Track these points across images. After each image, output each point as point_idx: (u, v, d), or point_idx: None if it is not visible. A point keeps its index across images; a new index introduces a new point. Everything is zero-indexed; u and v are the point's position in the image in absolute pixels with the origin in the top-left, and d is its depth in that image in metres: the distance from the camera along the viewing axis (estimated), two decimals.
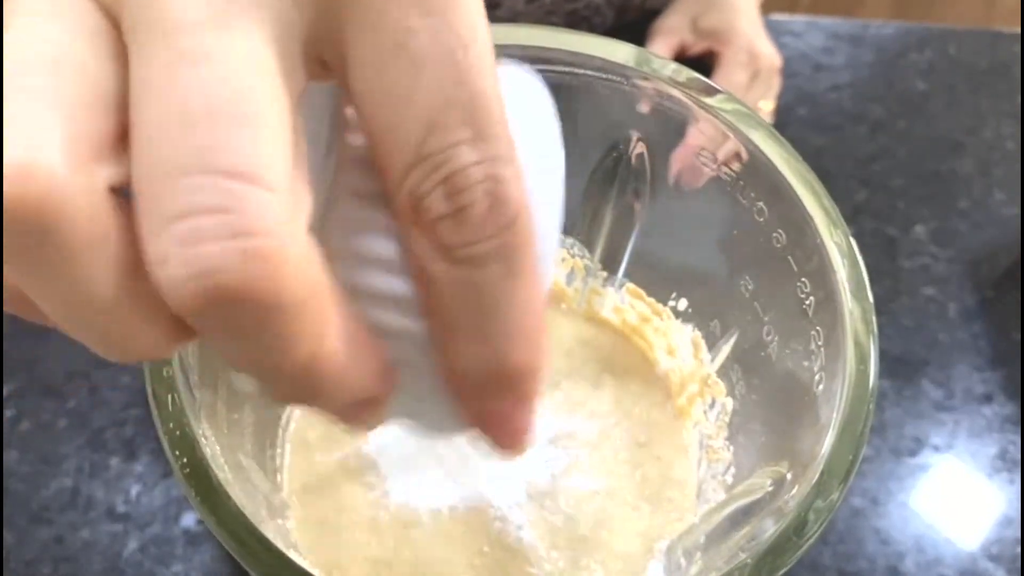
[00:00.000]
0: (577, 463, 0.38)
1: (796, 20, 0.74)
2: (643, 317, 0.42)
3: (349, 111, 0.19)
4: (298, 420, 0.40)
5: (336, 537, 0.37)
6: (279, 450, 0.39)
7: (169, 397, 0.28)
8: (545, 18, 0.66)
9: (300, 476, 0.39)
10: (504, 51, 0.35)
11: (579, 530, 0.37)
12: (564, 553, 0.36)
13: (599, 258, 0.42)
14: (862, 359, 0.30)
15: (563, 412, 0.40)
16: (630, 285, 0.42)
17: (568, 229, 0.42)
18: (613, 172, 0.39)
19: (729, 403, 0.38)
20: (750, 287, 0.37)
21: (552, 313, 0.43)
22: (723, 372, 0.39)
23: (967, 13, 1.30)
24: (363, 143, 0.18)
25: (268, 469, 0.38)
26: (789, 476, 0.31)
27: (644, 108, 0.36)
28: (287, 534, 0.36)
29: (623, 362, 0.42)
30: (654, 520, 0.37)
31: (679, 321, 0.41)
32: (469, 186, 0.16)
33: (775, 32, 0.73)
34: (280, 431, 0.39)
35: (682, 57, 0.57)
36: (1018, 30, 0.75)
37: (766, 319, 0.36)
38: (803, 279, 0.33)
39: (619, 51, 0.35)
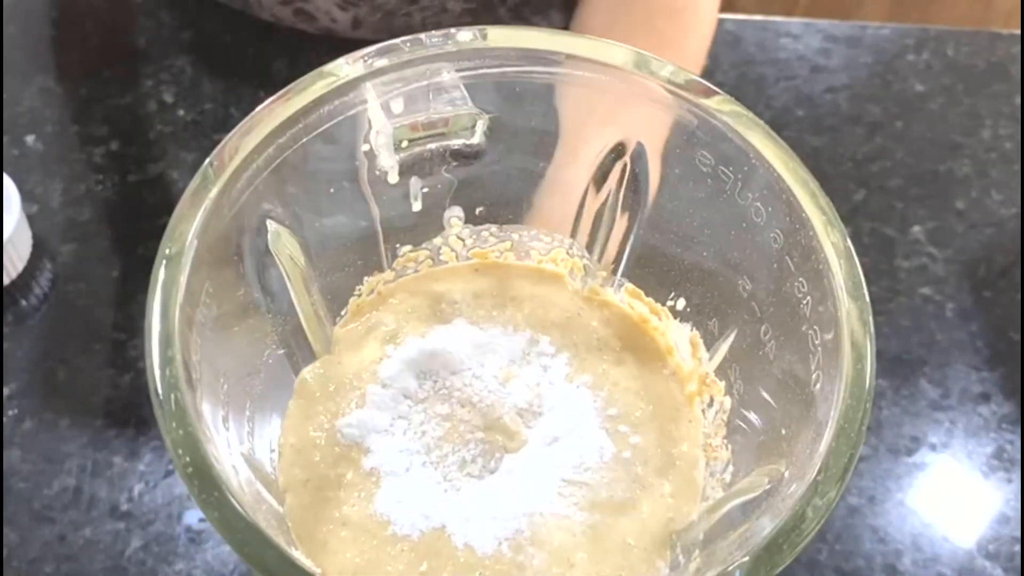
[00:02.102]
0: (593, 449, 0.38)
1: (794, 22, 0.75)
2: (642, 317, 0.42)
3: None
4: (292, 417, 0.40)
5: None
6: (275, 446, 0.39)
7: (172, 396, 0.29)
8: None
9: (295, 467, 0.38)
10: (506, 53, 0.36)
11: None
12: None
13: (598, 258, 0.42)
14: (859, 358, 0.30)
15: (584, 389, 0.40)
16: (629, 285, 0.42)
17: (567, 230, 0.42)
18: (612, 173, 0.39)
19: (727, 402, 0.38)
20: (748, 287, 0.37)
21: (571, 294, 0.43)
22: (721, 371, 0.39)
23: (965, 14, 1.30)
24: None
25: (268, 459, 0.38)
26: (787, 474, 0.31)
27: (642, 110, 0.37)
28: (288, 531, 0.36)
29: (644, 347, 0.42)
30: (667, 511, 0.37)
31: (677, 321, 0.41)
32: None
33: (773, 34, 0.73)
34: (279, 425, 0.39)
35: None
36: (1016, 31, 0.75)
37: (764, 319, 0.36)
38: (800, 279, 0.33)
39: (618, 53, 0.35)
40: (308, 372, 0.40)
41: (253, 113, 0.33)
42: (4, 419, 0.51)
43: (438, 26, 0.69)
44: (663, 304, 0.41)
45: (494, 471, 0.38)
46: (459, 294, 0.42)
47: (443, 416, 0.39)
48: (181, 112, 0.65)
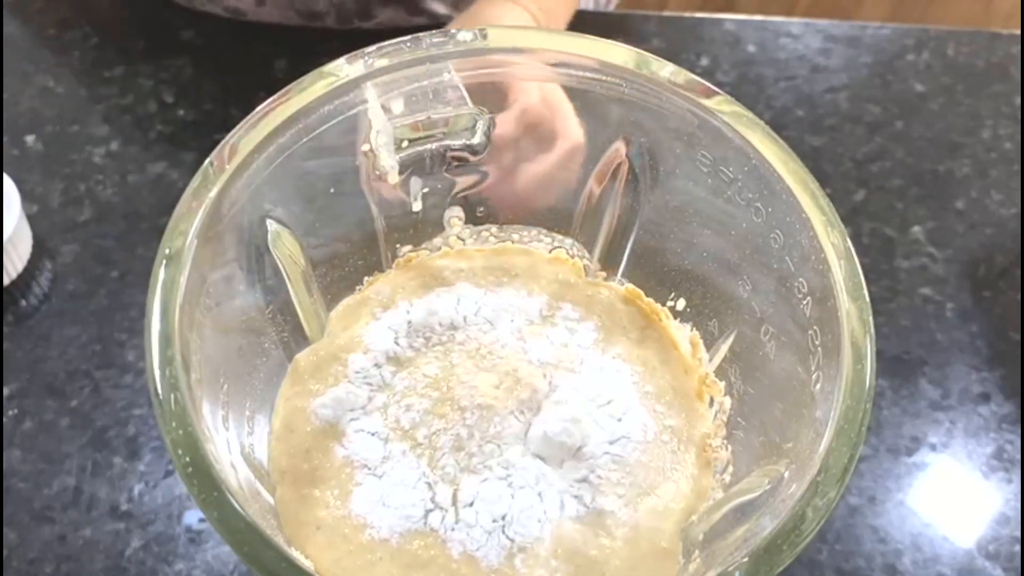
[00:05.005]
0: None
1: (794, 22, 0.75)
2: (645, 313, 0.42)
3: None
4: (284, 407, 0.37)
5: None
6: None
7: (172, 396, 0.29)
8: None
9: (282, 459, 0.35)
10: (505, 53, 0.36)
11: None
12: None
13: (598, 259, 0.42)
14: (859, 358, 0.30)
15: (618, 361, 0.38)
16: (629, 285, 0.42)
17: (568, 230, 0.42)
18: (612, 173, 0.39)
19: (727, 402, 0.38)
20: (748, 287, 0.37)
21: (584, 279, 0.42)
22: (721, 371, 0.39)
23: (965, 14, 1.30)
24: None
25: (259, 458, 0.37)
26: (787, 475, 0.31)
27: (642, 110, 0.37)
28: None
29: (660, 332, 0.40)
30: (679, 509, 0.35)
31: (677, 321, 0.41)
32: None
33: (773, 34, 0.73)
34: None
35: None
36: (1016, 31, 0.75)
37: (764, 319, 0.36)
38: (800, 279, 0.33)
39: (617, 53, 0.35)
40: (300, 354, 0.38)
41: (253, 113, 0.33)
42: (4, 419, 0.51)
43: (343, 2, 0.69)
44: (663, 304, 0.41)
45: (499, 444, 0.34)
46: (464, 264, 0.40)
47: (432, 381, 0.36)
48: (181, 112, 0.65)
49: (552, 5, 0.61)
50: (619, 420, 0.36)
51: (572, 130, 0.38)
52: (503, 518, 0.33)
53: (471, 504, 0.33)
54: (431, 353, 0.37)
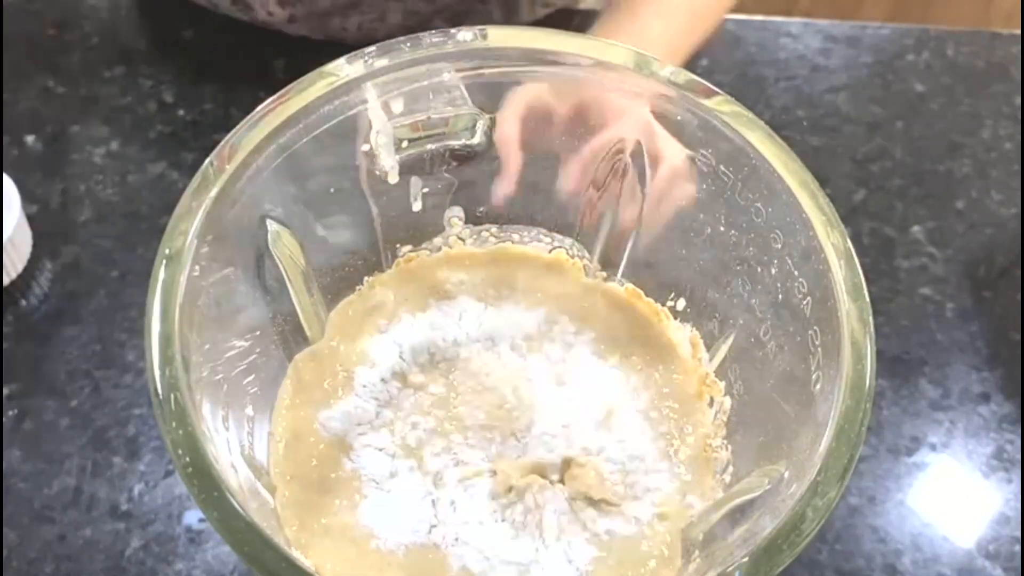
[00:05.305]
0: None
1: (793, 22, 0.75)
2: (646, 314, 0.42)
3: None
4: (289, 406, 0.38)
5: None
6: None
7: (172, 396, 0.29)
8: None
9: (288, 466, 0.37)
10: (506, 53, 0.36)
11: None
12: None
13: (598, 259, 0.42)
14: (859, 358, 0.30)
15: (615, 370, 0.39)
16: (629, 285, 0.42)
17: (568, 230, 0.42)
18: (612, 174, 0.39)
19: (727, 402, 0.38)
20: (748, 287, 0.37)
21: (581, 285, 0.42)
22: (721, 372, 0.39)
23: (965, 14, 1.30)
24: None
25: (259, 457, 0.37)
26: (787, 475, 0.31)
27: (643, 109, 0.37)
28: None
29: (656, 337, 0.41)
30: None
31: (677, 321, 0.41)
32: None
33: (773, 34, 0.73)
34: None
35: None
36: (1016, 31, 0.75)
37: (764, 319, 0.36)
38: (801, 279, 0.33)
39: (618, 53, 0.35)
40: (300, 356, 0.39)
41: (253, 113, 0.33)
42: (4, 419, 0.51)
43: (373, 33, 0.69)
44: (663, 304, 0.41)
45: (496, 466, 0.36)
46: (465, 274, 0.41)
47: (437, 399, 0.37)
48: (181, 112, 0.65)
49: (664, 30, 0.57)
50: (617, 428, 0.37)
51: (673, 150, 0.37)
52: (499, 534, 0.34)
53: (470, 519, 0.34)
54: (436, 371, 0.38)
